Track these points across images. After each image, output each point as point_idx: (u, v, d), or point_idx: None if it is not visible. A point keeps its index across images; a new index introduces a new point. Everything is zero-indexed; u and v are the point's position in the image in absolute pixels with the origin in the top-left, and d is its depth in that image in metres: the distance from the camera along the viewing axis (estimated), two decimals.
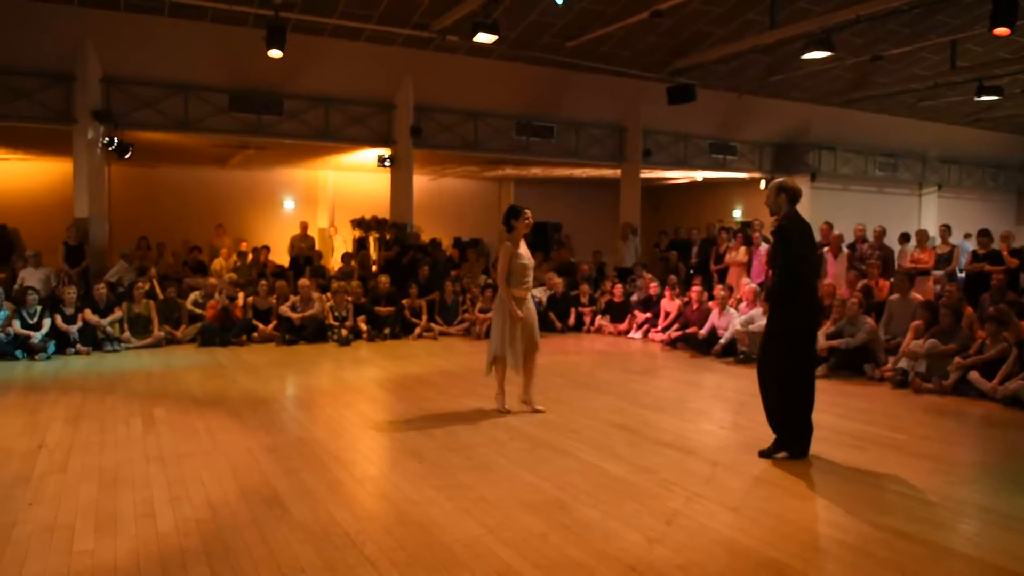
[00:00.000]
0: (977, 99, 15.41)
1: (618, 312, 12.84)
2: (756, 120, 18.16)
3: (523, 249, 6.90)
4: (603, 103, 15.91)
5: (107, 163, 13.43)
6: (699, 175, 19.05)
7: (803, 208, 18.60)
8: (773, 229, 5.74)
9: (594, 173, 18.88)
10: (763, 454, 5.64)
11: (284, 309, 11.44)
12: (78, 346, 10.09)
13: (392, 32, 12.45)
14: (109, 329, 10.44)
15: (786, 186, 5.70)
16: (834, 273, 11.48)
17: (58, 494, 4.67)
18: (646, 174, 17.37)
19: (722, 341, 10.28)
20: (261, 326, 11.36)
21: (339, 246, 16.63)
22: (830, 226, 12.32)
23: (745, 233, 13.34)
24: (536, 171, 18.91)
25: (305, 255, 14.41)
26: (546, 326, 12.76)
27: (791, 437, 5.62)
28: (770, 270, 5.87)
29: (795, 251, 5.58)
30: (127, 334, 10.64)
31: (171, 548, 3.90)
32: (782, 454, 5.61)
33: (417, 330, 11.91)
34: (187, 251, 14.03)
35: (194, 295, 11.68)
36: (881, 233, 12.16)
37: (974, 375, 7.80)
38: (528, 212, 6.91)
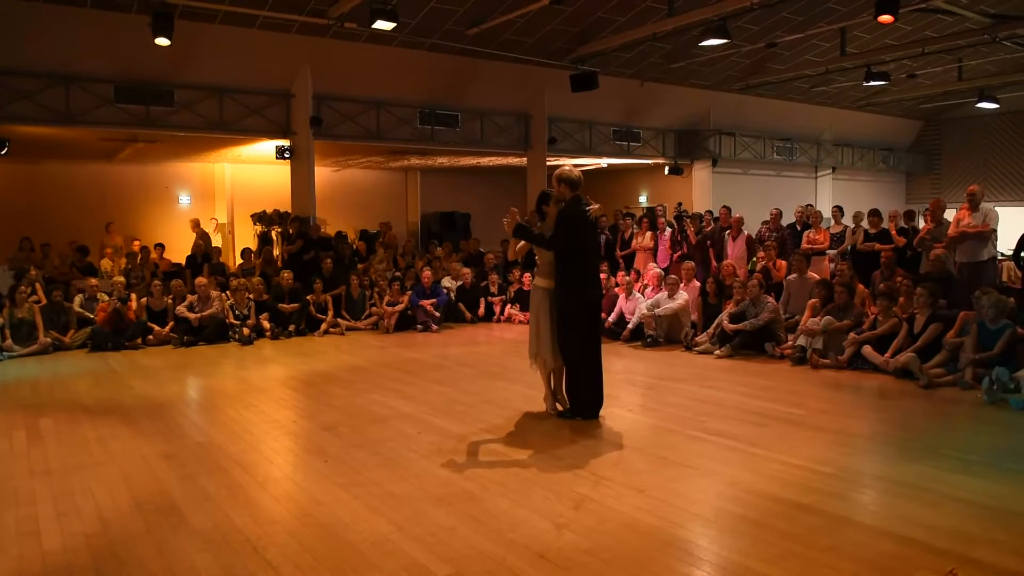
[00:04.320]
0: (866, 84, 16.07)
1: (528, 301, 12.82)
2: (658, 107, 18.46)
3: None
4: (507, 91, 15.85)
5: None
6: (604, 162, 19.24)
7: (706, 192, 18.87)
8: (558, 215, 6.17)
9: (500, 162, 18.83)
10: (559, 415, 6.31)
11: (181, 309, 10.98)
12: None
13: (287, 19, 12.06)
14: None
15: (564, 176, 6.14)
16: (734, 255, 11.80)
17: None
18: (552, 161, 17.43)
19: (630, 326, 10.41)
20: (157, 328, 10.86)
21: (238, 242, 16.00)
22: (728, 210, 12.66)
23: (650, 218, 13.56)
24: (442, 160, 18.74)
25: (203, 252, 13.85)
26: (456, 317, 12.71)
27: (577, 402, 6.26)
28: (551, 252, 6.24)
29: (572, 235, 6.08)
30: (9, 342, 9.98)
31: (57, 566, 3.68)
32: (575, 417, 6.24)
33: (323, 326, 11.62)
34: (74, 252, 13.26)
35: (78, 298, 11.07)
36: (778, 216, 12.55)
37: (867, 349, 8.13)
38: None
